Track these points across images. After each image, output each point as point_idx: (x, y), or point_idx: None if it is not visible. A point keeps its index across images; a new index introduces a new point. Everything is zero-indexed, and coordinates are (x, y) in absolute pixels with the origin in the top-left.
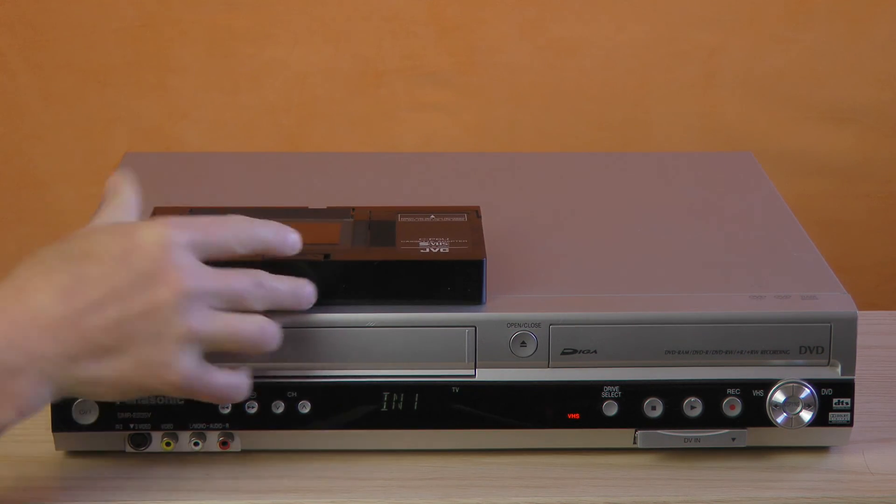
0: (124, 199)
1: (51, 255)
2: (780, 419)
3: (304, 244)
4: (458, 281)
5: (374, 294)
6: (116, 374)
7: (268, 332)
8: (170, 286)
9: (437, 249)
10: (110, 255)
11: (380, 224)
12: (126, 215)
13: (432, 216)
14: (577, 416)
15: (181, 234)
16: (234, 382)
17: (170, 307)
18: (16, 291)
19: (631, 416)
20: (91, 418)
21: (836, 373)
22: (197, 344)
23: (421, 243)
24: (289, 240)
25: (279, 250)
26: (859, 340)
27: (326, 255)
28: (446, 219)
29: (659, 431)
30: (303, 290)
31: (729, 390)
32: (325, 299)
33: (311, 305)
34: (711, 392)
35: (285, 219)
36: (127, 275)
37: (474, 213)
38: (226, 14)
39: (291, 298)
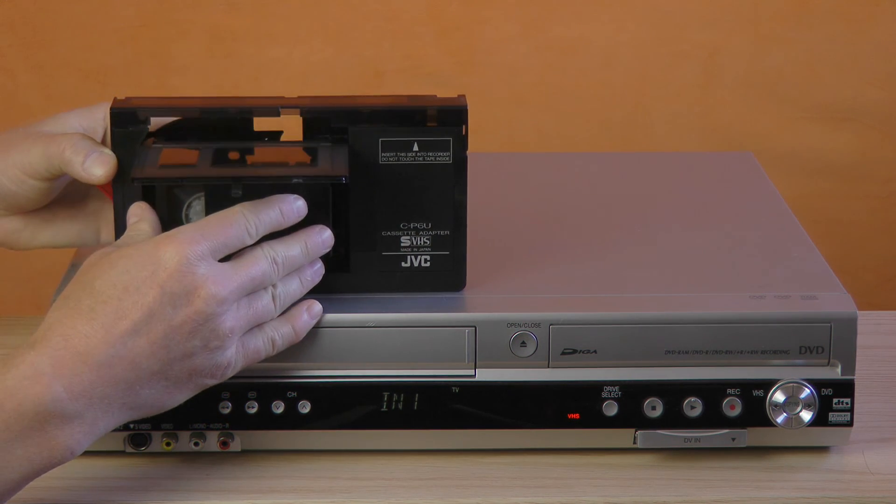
0: (147, 224)
1: (82, 295)
2: (780, 419)
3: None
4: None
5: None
6: (172, 389)
7: (282, 302)
8: (203, 299)
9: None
10: (140, 282)
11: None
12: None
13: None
14: (577, 416)
15: (197, 247)
16: (282, 332)
17: (208, 317)
18: (63, 340)
19: (631, 416)
20: None
21: (836, 373)
22: (237, 336)
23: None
24: (294, 211)
25: (287, 224)
26: (859, 340)
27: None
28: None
29: (659, 431)
30: (312, 238)
31: (729, 390)
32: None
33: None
34: (711, 392)
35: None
36: (161, 298)
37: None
38: (226, 14)
39: (304, 257)
